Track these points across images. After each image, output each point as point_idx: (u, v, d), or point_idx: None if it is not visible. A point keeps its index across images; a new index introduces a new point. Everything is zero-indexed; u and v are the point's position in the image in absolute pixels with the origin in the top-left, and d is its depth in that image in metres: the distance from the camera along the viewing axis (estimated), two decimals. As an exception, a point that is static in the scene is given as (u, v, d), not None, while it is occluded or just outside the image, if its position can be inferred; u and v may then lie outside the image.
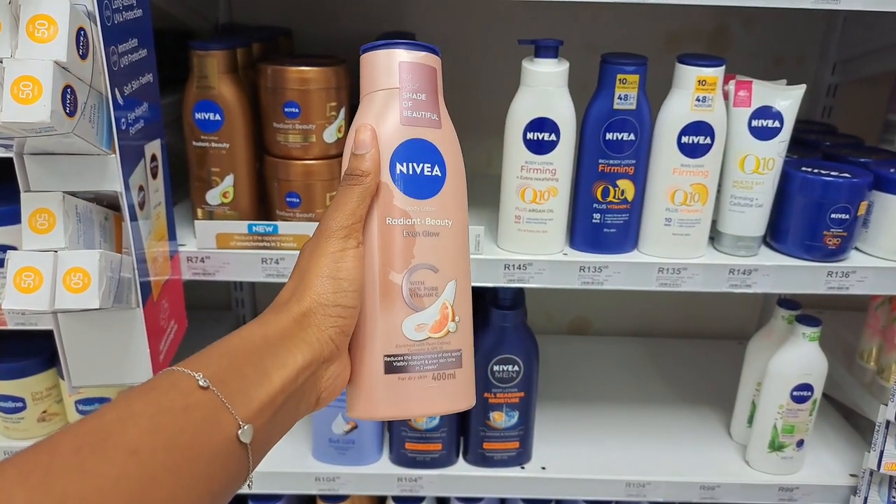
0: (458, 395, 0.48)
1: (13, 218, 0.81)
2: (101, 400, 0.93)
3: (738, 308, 1.42)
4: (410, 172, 0.46)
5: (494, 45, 1.17)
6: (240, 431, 0.35)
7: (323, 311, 0.42)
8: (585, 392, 1.22)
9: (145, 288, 0.71)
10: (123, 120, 0.65)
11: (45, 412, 0.94)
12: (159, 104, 0.77)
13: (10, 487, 0.28)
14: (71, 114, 0.56)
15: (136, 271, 0.68)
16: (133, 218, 0.68)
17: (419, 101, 0.47)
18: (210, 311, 1.36)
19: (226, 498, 0.36)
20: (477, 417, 0.98)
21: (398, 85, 0.46)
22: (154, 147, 0.75)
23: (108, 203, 0.68)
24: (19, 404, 0.93)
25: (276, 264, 0.85)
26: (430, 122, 0.47)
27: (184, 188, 0.91)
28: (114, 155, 0.64)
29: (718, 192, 0.88)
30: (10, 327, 0.82)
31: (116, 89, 0.63)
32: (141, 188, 0.70)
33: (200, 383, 0.35)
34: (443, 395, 0.47)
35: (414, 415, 0.47)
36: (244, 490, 0.41)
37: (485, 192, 1.11)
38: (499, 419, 0.97)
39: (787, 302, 1.01)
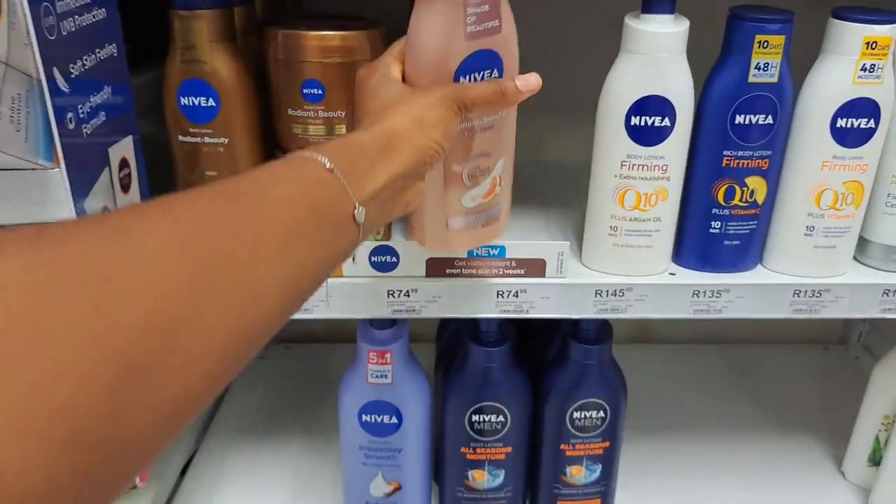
0: (498, 231, 0.61)
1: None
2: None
3: (824, 309, 1.21)
4: (472, 82, 0.50)
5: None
6: (356, 211, 0.38)
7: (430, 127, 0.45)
8: (660, 418, 1.02)
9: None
10: (71, 114, 0.44)
11: None
12: (129, 87, 0.55)
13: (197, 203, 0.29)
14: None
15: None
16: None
17: (482, 13, 0.48)
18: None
19: (335, 267, 0.40)
20: (550, 473, 0.78)
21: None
22: (123, 148, 0.54)
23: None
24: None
25: (295, 296, 0.65)
26: (491, 31, 0.49)
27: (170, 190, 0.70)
28: (58, 168, 0.42)
29: (871, 189, 0.67)
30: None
31: (56, 68, 0.41)
32: (105, 210, 0.49)
33: (327, 166, 0.37)
34: (488, 234, 0.60)
35: (467, 247, 0.62)
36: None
37: (539, 184, 0.90)
38: (577, 474, 0.78)
39: (931, 320, 0.81)
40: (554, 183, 0.92)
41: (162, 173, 0.64)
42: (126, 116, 0.55)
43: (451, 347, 0.80)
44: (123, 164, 0.53)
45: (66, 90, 0.43)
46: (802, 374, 1.14)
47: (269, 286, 0.30)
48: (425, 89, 0.47)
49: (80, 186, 0.45)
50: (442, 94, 0.46)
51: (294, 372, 1.11)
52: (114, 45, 0.52)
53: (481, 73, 0.50)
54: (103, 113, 0.50)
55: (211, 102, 0.61)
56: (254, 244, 0.30)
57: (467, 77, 0.49)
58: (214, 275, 0.27)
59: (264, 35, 0.61)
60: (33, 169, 0.42)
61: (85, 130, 0.46)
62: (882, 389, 0.85)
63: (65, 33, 0.43)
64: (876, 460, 0.87)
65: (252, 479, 0.89)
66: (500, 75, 0.51)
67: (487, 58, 0.49)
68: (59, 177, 0.43)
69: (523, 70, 0.54)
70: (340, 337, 1.17)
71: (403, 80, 0.50)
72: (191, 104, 0.61)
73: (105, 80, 0.51)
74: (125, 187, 0.54)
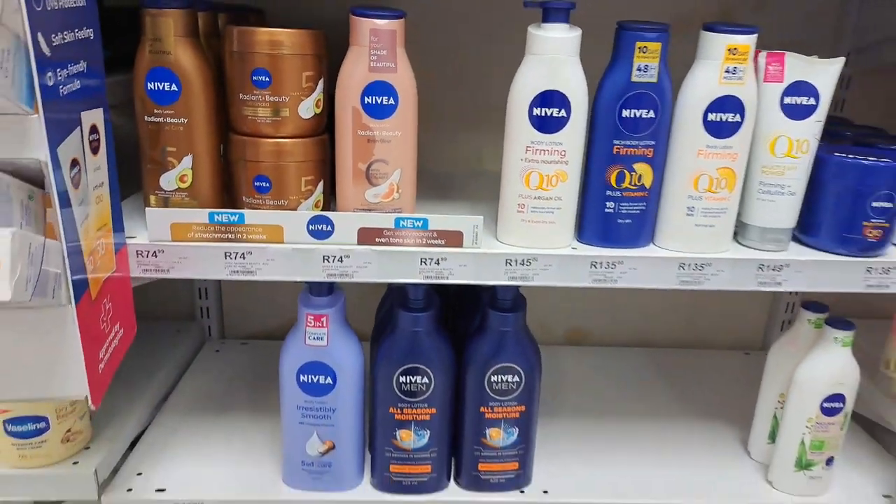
0: None
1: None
2: (37, 419, 0.80)
3: (743, 317, 1.32)
4: (373, 102, 0.72)
5: (485, 30, 1.07)
6: None
7: None
8: (587, 407, 1.11)
9: (80, 283, 0.58)
10: (51, 75, 0.53)
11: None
12: (102, 68, 0.65)
13: None
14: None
15: (68, 262, 0.56)
16: (64, 198, 0.56)
17: (382, 55, 0.71)
18: (172, 321, 1.23)
19: None
20: (471, 435, 0.86)
21: (367, 44, 0.70)
22: (94, 117, 0.63)
23: (32, 178, 0.56)
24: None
25: (243, 259, 0.73)
26: (388, 70, 0.71)
27: (137, 179, 0.79)
28: (36, 115, 0.52)
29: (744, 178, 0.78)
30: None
31: (41, 34, 0.51)
32: (75, 162, 0.58)
33: None
34: None
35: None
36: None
37: (473, 186, 1.01)
38: (496, 437, 0.86)
39: (813, 304, 0.91)
40: (486, 185, 1.03)
41: (131, 157, 0.74)
42: (98, 92, 0.64)
43: (385, 320, 0.89)
44: (93, 129, 0.63)
45: (48, 55, 0.52)
46: (724, 375, 1.24)
47: None
48: None
49: (55, 135, 0.54)
50: None
51: (248, 365, 1.19)
52: (91, 29, 0.62)
53: (380, 97, 0.71)
54: (78, 81, 0.60)
55: (173, 87, 0.71)
56: None
57: (370, 98, 0.71)
58: None
59: (224, 33, 0.72)
60: (16, 113, 0.51)
61: (62, 90, 0.55)
62: (776, 370, 0.95)
63: (49, 8, 0.53)
64: (775, 437, 0.96)
65: (199, 450, 0.95)
66: (396, 102, 0.72)
67: (385, 88, 0.71)
68: (37, 123, 0.52)
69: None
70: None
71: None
72: (156, 89, 0.71)
73: (81, 56, 0.60)
74: (94, 150, 0.63)
